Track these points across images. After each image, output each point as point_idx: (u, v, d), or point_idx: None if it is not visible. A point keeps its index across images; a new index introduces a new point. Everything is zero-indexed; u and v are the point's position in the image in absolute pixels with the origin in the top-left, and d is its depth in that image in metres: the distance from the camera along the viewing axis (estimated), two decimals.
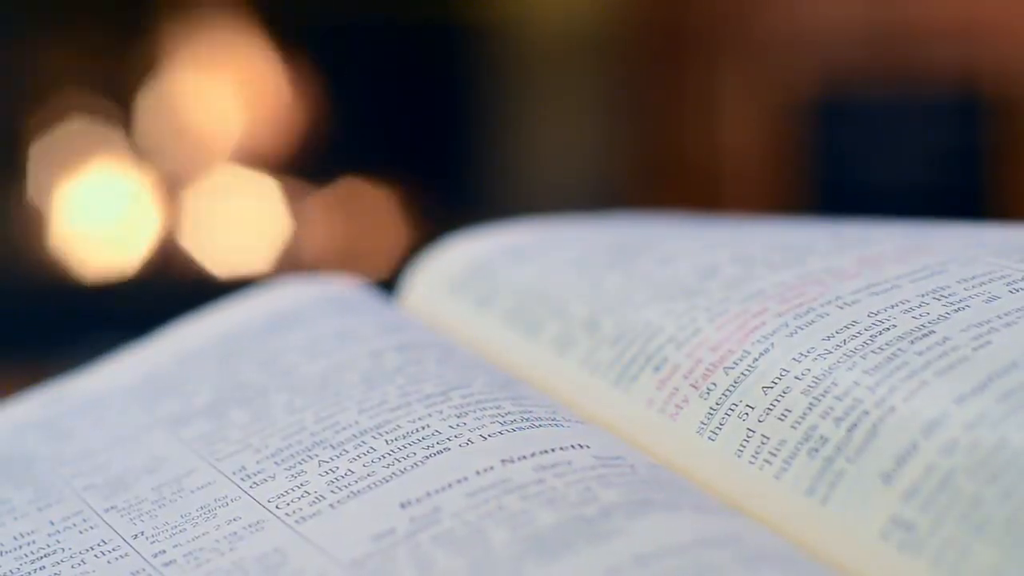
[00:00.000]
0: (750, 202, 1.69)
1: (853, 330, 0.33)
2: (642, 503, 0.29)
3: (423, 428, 0.33)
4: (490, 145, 1.76)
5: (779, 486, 0.30)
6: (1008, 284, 0.33)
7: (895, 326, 0.32)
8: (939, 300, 0.33)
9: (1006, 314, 0.32)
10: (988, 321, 0.31)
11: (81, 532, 0.33)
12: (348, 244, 1.72)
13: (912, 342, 0.31)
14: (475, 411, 0.34)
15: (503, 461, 0.31)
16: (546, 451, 0.32)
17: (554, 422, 0.33)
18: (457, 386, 0.35)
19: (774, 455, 0.31)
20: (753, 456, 0.31)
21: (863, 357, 0.31)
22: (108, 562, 0.32)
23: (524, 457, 0.31)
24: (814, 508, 0.29)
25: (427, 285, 0.44)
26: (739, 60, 1.72)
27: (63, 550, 0.33)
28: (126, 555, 0.32)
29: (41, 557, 0.33)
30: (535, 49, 1.73)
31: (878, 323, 0.33)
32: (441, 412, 0.34)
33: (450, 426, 0.33)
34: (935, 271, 0.34)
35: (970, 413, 0.29)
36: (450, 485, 0.31)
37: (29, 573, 0.32)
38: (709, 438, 0.32)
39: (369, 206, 1.73)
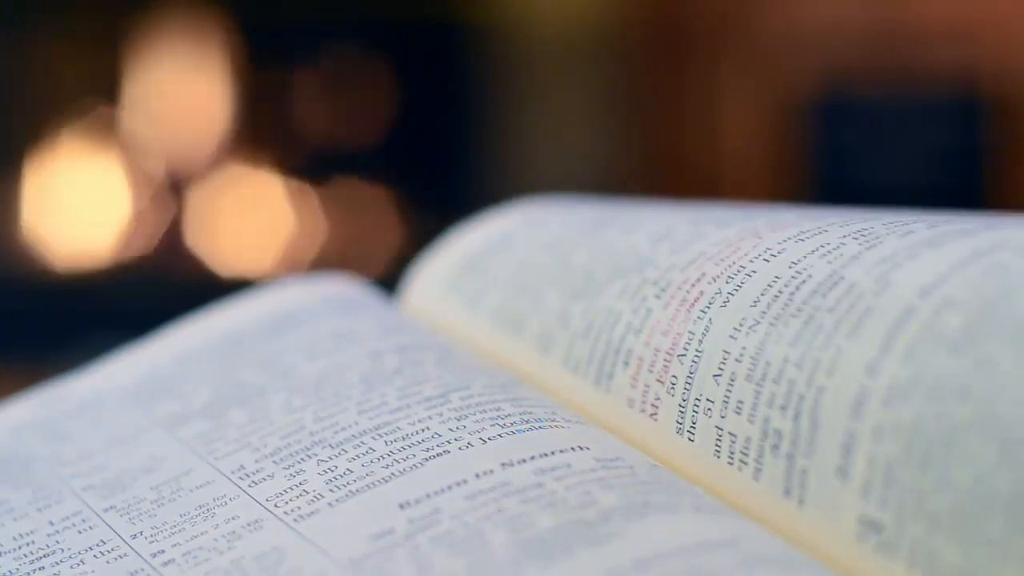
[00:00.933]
0: (750, 202, 1.68)
1: (775, 288, 0.32)
2: (641, 505, 0.29)
3: (423, 430, 0.33)
4: (490, 145, 1.76)
5: (759, 488, 0.30)
6: (928, 224, 0.32)
7: (811, 276, 0.31)
8: (857, 239, 0.32)
9: (913, 246, 0.30)
10: (894, 255, 0.30)
11: (80, 532, 0.33)
12: (349, 244, 1.72)
13: (824, 295, 0.31)
14: (475, 413, 0.34)
15: (503, 464, 0.31)
16: (546, 454, 0.32)
17: (554, 423, 0.33)
18: (456, 388, 0.35)
19: (746, 454, 0.30)
20: (730, 457, 0.31)
21: (785, 324, 0.31)
22: (107, 562, 0.32)
23: (524, 460, 0.31)
24: (793, 510, 0.29)
25: (426, 285, 0.44)
26: (739, 60, 1.72)
27: (62, 550, 0.33)
28: (125, 555, 0.32)
29: (40, 557, 0.33)
30: (535, 49, 1.73)
31: (796, 275, 0.32)
32: (441, 414, 0.34)
33: (450, 428, 0.33)
34: (868, 219, 0.33)
35: (883, 386, 0.28)
36: (449, 487, 0.31)
37: (29, 573, 0.32)
38: (688, 439, 0.32)
39: (370, 206, 1.73)
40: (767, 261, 0.33)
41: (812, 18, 1.68)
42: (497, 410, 0.34)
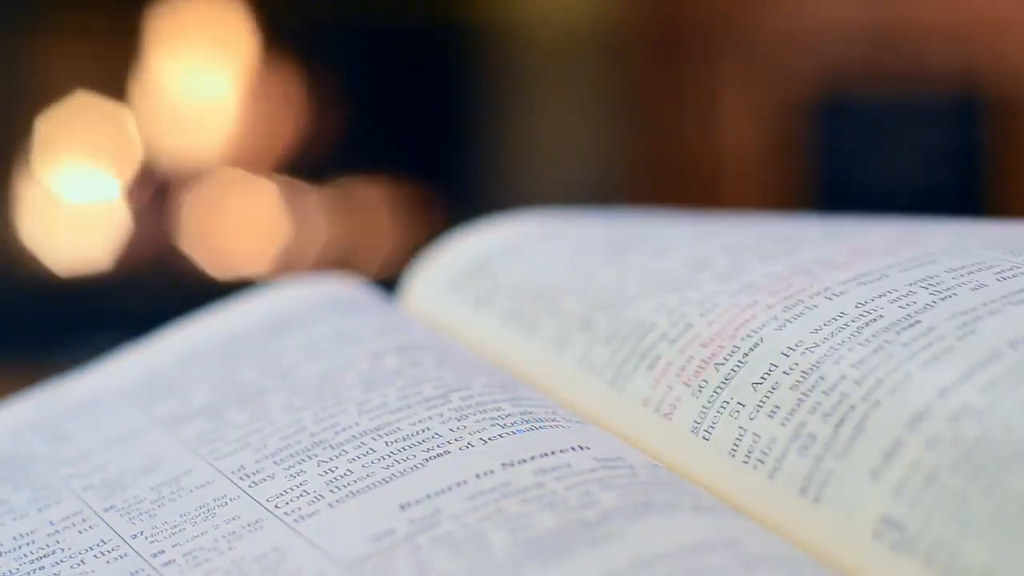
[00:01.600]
0: (750, 202, 1.69)
1: (841, 321, 0.33)
2: (642, 506, 0.29)
3: (423, 431, 0.33)
4: (490, 145, 1.76)
5: (773, 486, 0.30)
6: (996, 273, 0.33)
7: (882, 316, 0.32)
8: (927, 288, 0.33)
9: (992, 301, 0.32)
10: (974, 309, 0.31)
11: (80, 532, 0.33)
12: (348, 244, 1.72)
13: (898, 332, 0.31)
14: (475, 413, 0.34)
15: (503, 464, 0.31)
16: (546, 454, 0.32)
17: (554, 423, 0.33)
18: (457, 388, 0.35)
19: (766, 454, 0.31)
20: (746, 456, 0.31)
21: (850, 350, 0.31)
22: (107, 562, 0.32)
23: (524, 460, 0.31)
24: (808, 508, 0.29)
25: (427, 285, 0.44)
26: (739, 60, 1.72)
27: (62, 550, 0.33)
28: (125, 555, 0.32)
29: (41, 557, 0.33)
30: (535, 49, 1.73)
31: (865, 313, 0.33)
32: (441, 415, 0.34)
33: (450, 429, 0.33)
34: (924, 261, 0.34)
35: (953, 406, 0.29)
36: (450, 488, 0.31)
37: (29, 573, 0.32)
38: (703, 437, 0.32)
39: (369, 206, 1.73)
40: (829, 299, 0.34)
41: (812, 18, 1.68)
42: (497, 410, 0.34)
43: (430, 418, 0.34)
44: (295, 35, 1.75)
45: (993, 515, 0.27)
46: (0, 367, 1.40)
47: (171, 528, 0.32)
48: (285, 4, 1.75)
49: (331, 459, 0.33)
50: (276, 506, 0.32)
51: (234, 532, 0.31)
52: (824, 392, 0.31)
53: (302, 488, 0.32)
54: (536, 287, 0.40)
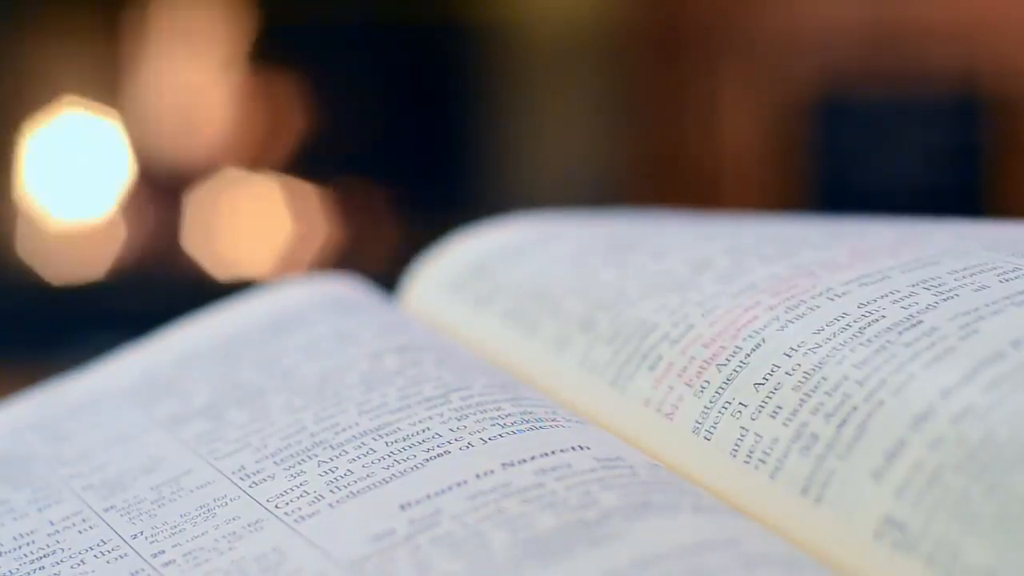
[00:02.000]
0: (750, 202, 1.69)
1: (843, 322, 0.33)
2: (642, 506, 0.29)
3: (424, 431, 0.33)
4: (490, 145, 1.76)
5: (774, 486, 0.30)
6: (999, 275, 0.33)
7: (884, 316, 0.32)
8: (929, 290, 0.33)
9: (994, 302, 0.32)
10: (976, 309, 0.31)
11: (80, 532, 0.33)
12: (348, 244, 1.72)
13: (900, 333, 0.31)
14: (475, 413, 0.34)
15: (503, 464, 0.31)
16: (546, 454, 0.32)
17: (554, 423, 0.33)
18: (457, 388, 0.35)
19: (767, 454, 0.31)
20: (748, 456, 0.31)
21: (852, 350, 0.32)
22: (107, 562, 0.32)
23: (524, 460, 0.31)
24: (809, 508, 0.30)
25: (427, 285, 0.44)
26: (739, 60, 1.72)
27: (62, 550, 0.33)
28: (125, 555, 0.32)
29: (41, 557, 0.33)
30: (535, 49, 1.73)
31: (867, 314, 0.33)
32: (441, 415, 0.34)
33: (450, 429, 0.33)
34: (926, 262, 0.34)
35: (956, 406, 0.29)
36: (450, 488, 0.31)
37: (29, 573, 0.32)
38: (705, 437, 0.33)
39: (369, 206, 1.73)
40: (831, 300, 0.34)
41: (812, 18, 1.68)
42: (497, 410, 0.34)
43: (430, 418, 0.34)
44: (295, 34, 1.75)
45: (996, 515, 0.27)
46: (0, 367, 1.40)
47: (171, 528, 0.32)
48: (284, 3, 1.75)
49: (331, 459, 0.33)
50: (276, 506, 0.32)
51: (234, 532, 0.31)
52: (826, 393, 0.31)
53: (302, 488, 0.32)
54: (536, 287, 0.40)
